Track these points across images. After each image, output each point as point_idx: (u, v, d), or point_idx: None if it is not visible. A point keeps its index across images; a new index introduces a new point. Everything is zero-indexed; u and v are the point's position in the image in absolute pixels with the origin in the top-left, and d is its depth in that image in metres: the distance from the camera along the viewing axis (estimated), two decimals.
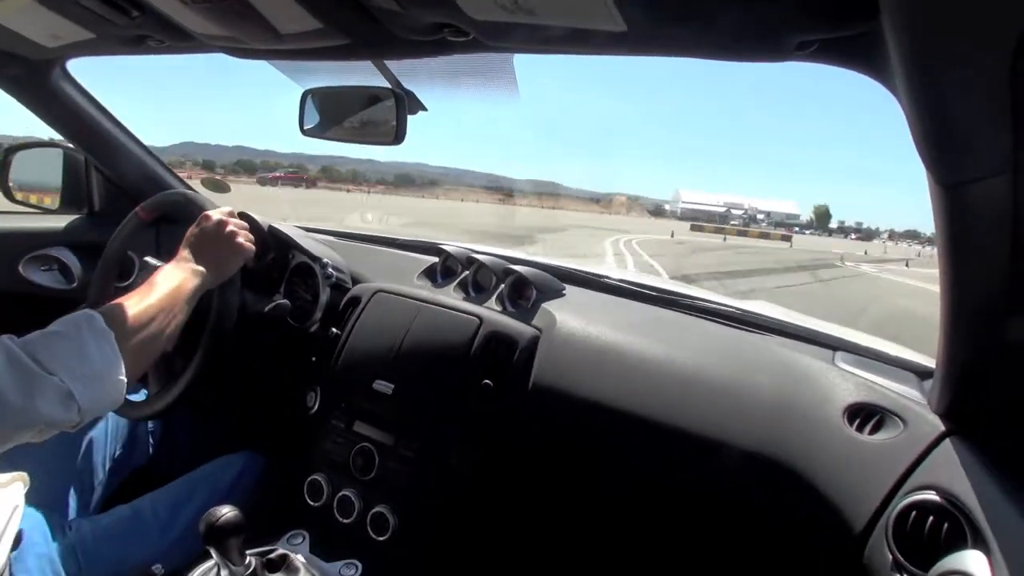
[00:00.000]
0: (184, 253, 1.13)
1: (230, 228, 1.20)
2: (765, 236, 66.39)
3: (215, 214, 1.20)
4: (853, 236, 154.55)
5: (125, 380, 0.88)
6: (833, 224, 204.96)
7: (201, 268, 1.12)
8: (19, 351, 0.78)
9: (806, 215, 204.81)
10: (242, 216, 1.53)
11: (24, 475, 1.06)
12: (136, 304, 0.97)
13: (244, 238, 1.22)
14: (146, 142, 1.84)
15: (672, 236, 39.03)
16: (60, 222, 1.82)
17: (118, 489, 1.31)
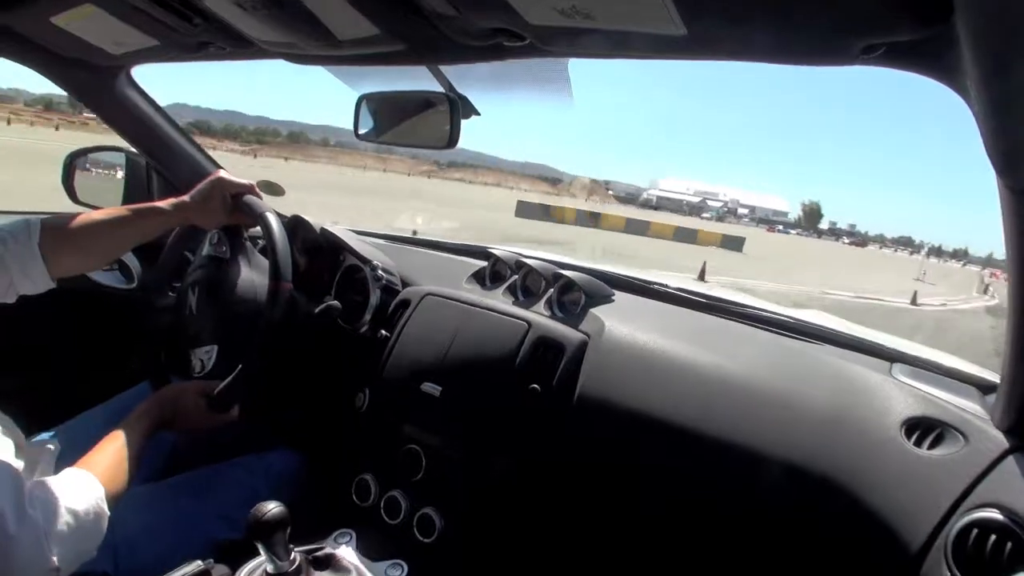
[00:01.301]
0: (154, 401, 1.16)
1: (199, 405, 1.19)
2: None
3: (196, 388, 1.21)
4: (846, 240, 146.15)
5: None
6: (824, 224, 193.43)
7: (160, 424, 1.13)
8: (42, 531, 0.80)
9: (796, 213, 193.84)
10: (296, 220, 1.56)
11: (55, 444, 1.11)
12: (124, 462, 1.01)
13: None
14: None
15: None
16: None
17: (158, 472, 1.33)
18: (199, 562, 1.00)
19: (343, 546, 1.09)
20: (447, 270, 1.65)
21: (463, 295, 1.45)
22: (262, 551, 0.92)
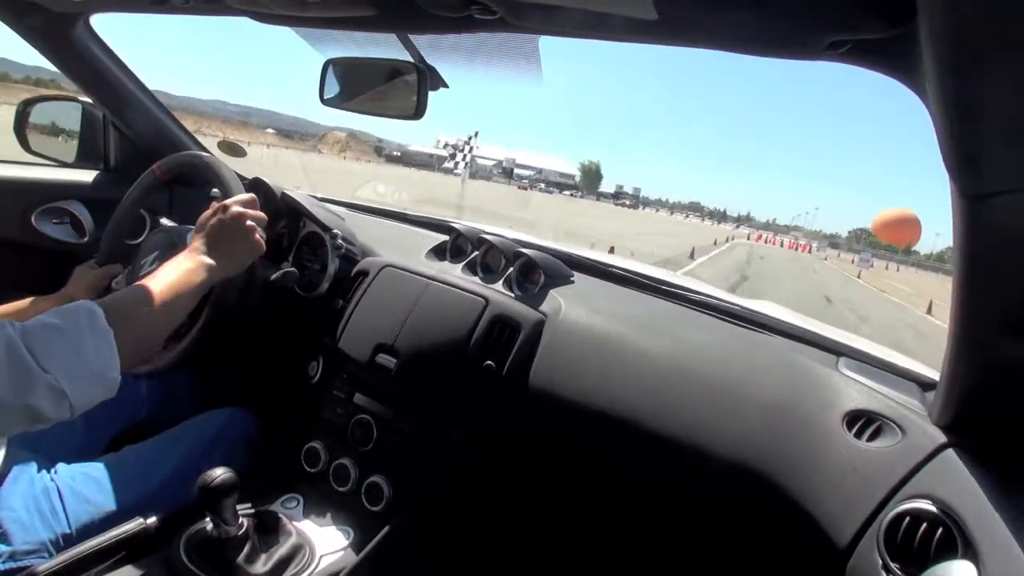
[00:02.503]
0: (197, 243, 1.09)
1: (248, 223, 1.15)
2: None
3: (235, 204, 1.15)
4: (627, 202, 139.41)
5: (119, 377, 0.87)
6: (607, 188, 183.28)
7: (212, 262, 1.08)
8: (19, 344, 0.77)
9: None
10: (256, 182, 1.53)
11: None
12: (140, 298, 0.96)
13: (260, 233, 1.17)
14: None
15: None
16: (75, 176, 1.82)
17: (111, 441, 1.31)
18: (140, 519, 1.00)
19: (289, 512, 1.09)
20: (408, 242, 1.65)
21: (422, 268, 1.44)
22: (210, 516, 0.92)
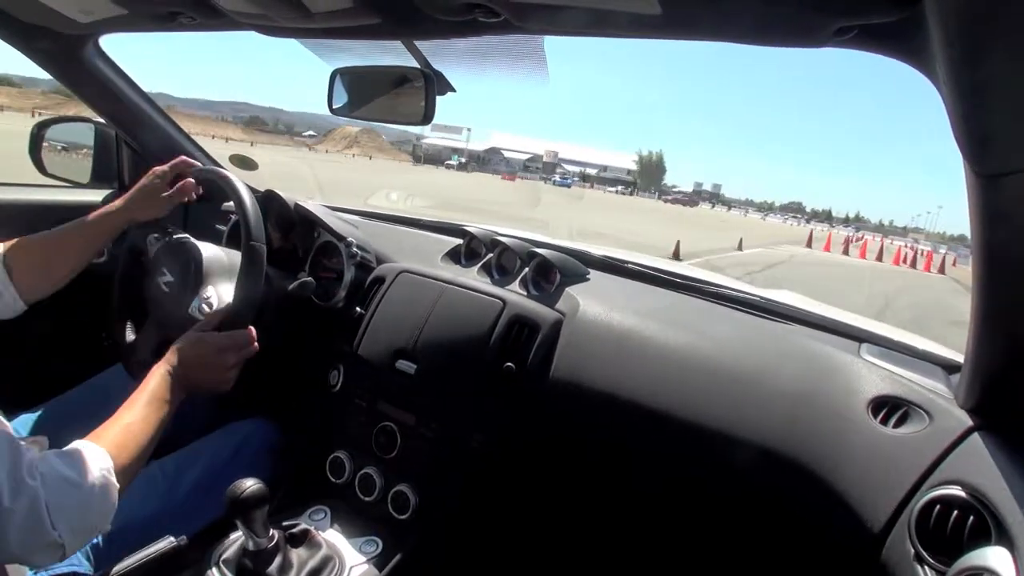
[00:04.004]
0: (173, 358, 1.05)
1: (231, 362, 1.10)
2: None
3: (228, 341, 1.10)
4: (681, 199, 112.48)
5: (110, 527, 0.87)
6: (684, 184, 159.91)
7: (184, 383, 1.04)
8: (42, 503, 0.75)
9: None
10: (269, 195, 1.54)
11: (44, 439, 1.11)
12: (132, 433, 0.93)
13: (235, 374, 1.12)
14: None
15: None
16: (91, 196, 1.84)
17: None
18: (171, 538, 1.01)
19: (318, 524, 1.10)
20: (422, 247, 1.65)
21: (438, 273, 1.44)
22: (241, 528, 0.93)
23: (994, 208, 0.66)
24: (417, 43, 1.11)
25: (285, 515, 1.14)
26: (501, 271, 1.48)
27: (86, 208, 1.78)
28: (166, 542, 1.00)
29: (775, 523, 1.08)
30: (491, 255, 1.51)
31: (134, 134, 1.82)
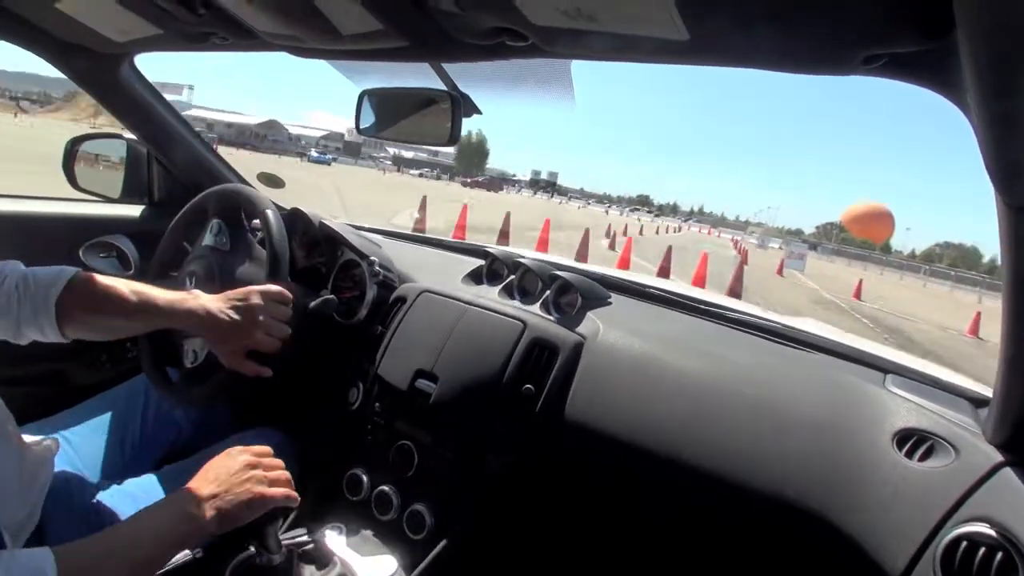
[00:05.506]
0: (198, 484, 0.91)
1: (253, 474, 0.93)
2: None
3: (242, 453, 0.97)
4: (481, 182, 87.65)
5: None
6: (522, 174, 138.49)
7: (199, 513, 0.87)
8: None
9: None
10: (295, 213, 1.56)
11: (56, 440, 1.11)
12: (109, 551, 0.80)
13: (267, 486, 0.93)
14: None
15: None
16: (121, 211, 1.88)
17: (152, 462, 1.34)
18: (188, 552, 1.01)
19: (332, 541, 1.09)
20: (444, 268, 1.66)
21: (460, 293, 1.45)
22: (252, 544, 0.92)
23: None
24: (445, 66, 1.12)
25: (299, 530, 1.14)
26: (523, 293, 1.48)
27: (117, 222, 1.82)
28: (183, 555, 1.00)
29: (797, 553, 1.06)
30: (513, 276, 1.51)
31: (165, 152, 1.86)
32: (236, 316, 1.12)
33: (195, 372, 1.33)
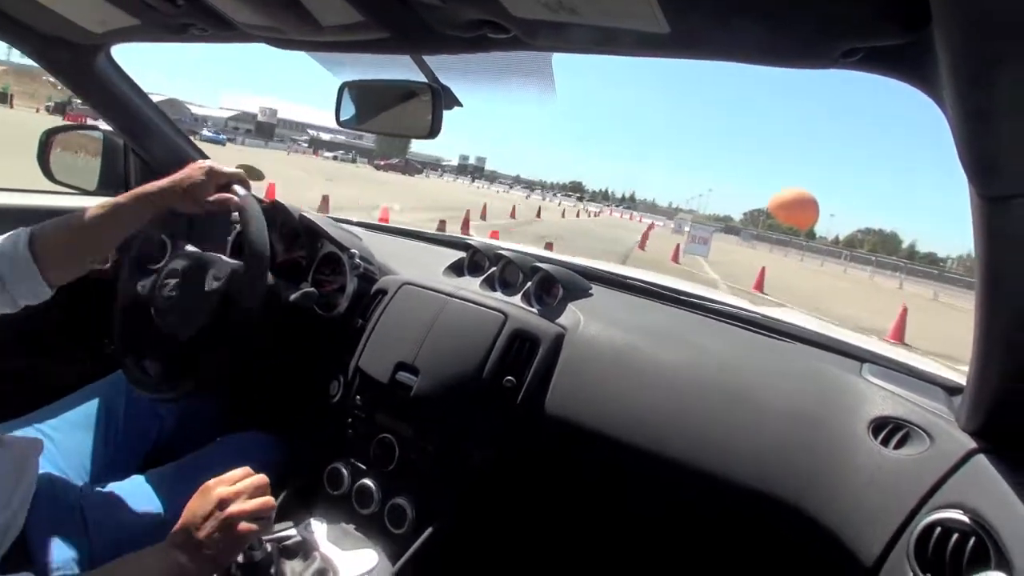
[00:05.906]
0: (181, 538, 0.89)
1: (231, 511, 0.89)
2: None
3: (218, 485, 0.94)
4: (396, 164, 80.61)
5: None
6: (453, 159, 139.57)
7: (184, 560, 0.86)
8: None
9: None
10: (274, 205, 1.55)
11: (40, 441, 1.10)
12: None
13: (247, 521, 0.90)
14: None
15: None
16: (97, 203, 1.85)
17: (136, 463, 1.33)
18: None
19: (314, 535, 1.09)
20: (425, 260, 1.66)
21: (441, 285, 1.45)
22: None
23: (999, 230, 0.67)
24: (425, 58, 1.12)
25: (280, 526, 1.14)
26: (504, 284, 1.48)
27: None
28: None
29: (769, 545, 1.07)
30: (494, 268, 1.51)
31: (142, 143, 1.83)
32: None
33: (172, 365, 1.32)
